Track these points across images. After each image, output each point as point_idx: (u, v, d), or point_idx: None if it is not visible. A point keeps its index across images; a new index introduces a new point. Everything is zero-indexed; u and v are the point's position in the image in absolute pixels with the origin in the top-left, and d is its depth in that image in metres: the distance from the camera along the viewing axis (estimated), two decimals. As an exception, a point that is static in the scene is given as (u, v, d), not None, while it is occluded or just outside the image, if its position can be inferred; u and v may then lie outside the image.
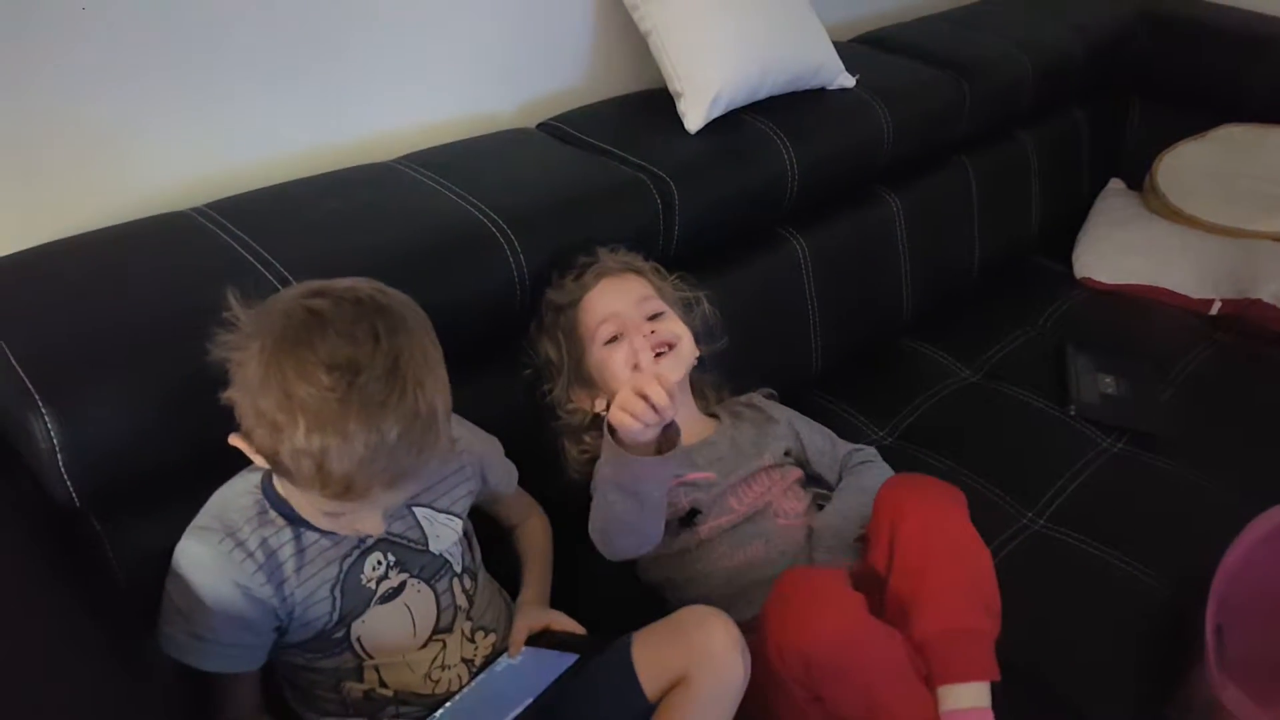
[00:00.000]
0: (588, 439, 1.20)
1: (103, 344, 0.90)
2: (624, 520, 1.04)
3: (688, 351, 1.18)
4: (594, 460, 1.16)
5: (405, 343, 0.81)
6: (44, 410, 0.84)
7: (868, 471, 1.26)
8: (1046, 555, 1.30)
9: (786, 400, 1.53)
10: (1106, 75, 2.16)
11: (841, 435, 1.49)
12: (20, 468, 0.90)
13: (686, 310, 1.26)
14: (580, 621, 1.02)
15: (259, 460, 0.84)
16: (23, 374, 0.85)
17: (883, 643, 0.96)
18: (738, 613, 0.97)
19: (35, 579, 0.83)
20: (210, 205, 1.11)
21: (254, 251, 1.02)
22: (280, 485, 0.89)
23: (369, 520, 0.86)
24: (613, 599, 1.18)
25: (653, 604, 1.15)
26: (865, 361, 1.66)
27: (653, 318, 1.18)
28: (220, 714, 0.91)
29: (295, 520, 0.89)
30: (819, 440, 1.30)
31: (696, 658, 0.90)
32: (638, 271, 1.23)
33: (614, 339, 1.17)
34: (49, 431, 0.84)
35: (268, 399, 0.77)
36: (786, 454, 1.25)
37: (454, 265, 1.11)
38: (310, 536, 0.90)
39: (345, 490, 0.78)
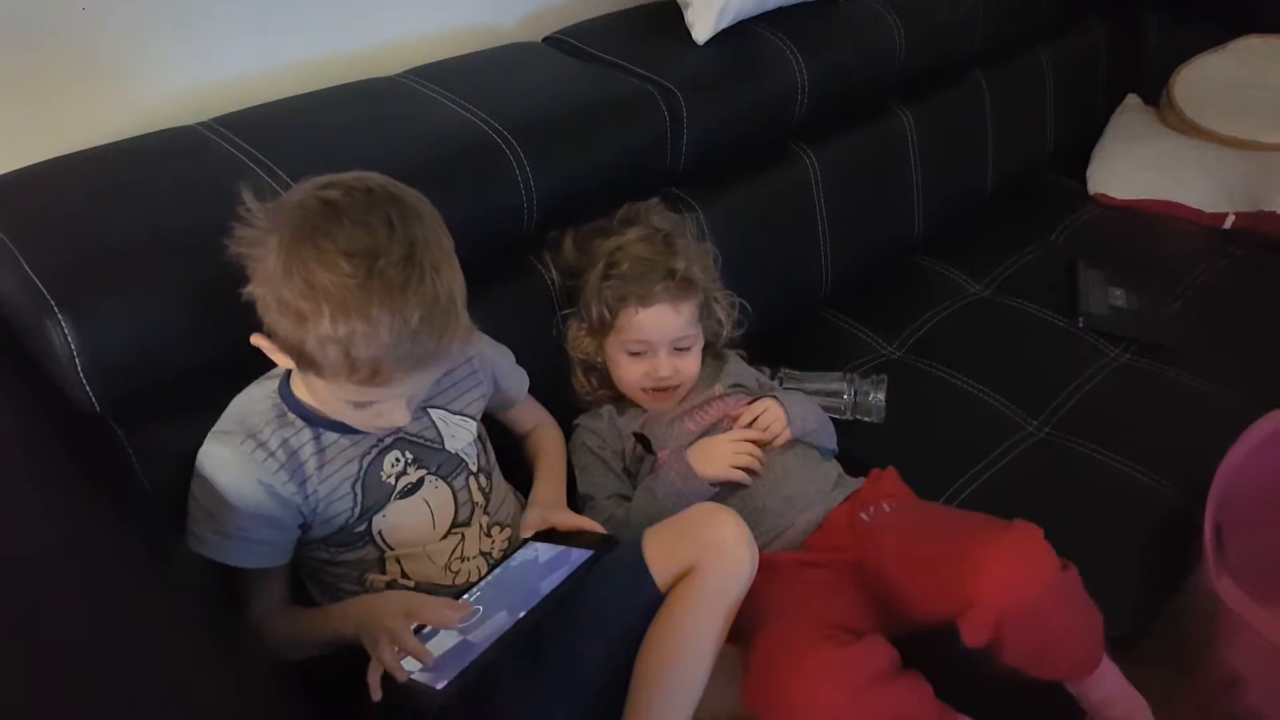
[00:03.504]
0: (592, 380, 1.25)
1: (116, 251, 0.91)
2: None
3: (685, 389, 1.23)
4: (593, 394, 1.24)
5: (419, 230, 0.82)
6: (60, 316, 0.85)
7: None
8: (1051, 461, 1.31)
9: (797, 317, 1.55)
10: (1126, -14, 2.11)
11: (851, 351, 1.52)
12: (44, 378, 0.91)
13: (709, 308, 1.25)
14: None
15: (281, 360, 0.86)
16: (39, 282, 0.86)
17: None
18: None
19: (66, 484, 0.86)
20: (216, 120, 1.11)
21: (261, 164, 1.02)
22: (301, 387, 0.91)
23: (395, 410, 0.88)
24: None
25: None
26: (876, 277, 1.66)
27: (679, 348, 1.20)
28: (250, 611, 0.94)
29: (314, 421, 0.92)
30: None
31: (706, 549, 0.92)
32: (693, 286, 1.20)
33: (637, 351, 1.19)
34: (66, 337, 0.85)
35: (291, 289, 0.79)
36: (736, 385, 1.27)
37: (461, 177, 1.11)
38: (329, 436, 0.92)
39: (372, 375, 0.80)
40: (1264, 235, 1.81)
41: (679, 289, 1.18)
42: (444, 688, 0.80)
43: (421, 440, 0.98)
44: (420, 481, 0.97)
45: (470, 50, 1.35)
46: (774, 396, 1.21)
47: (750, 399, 1.23)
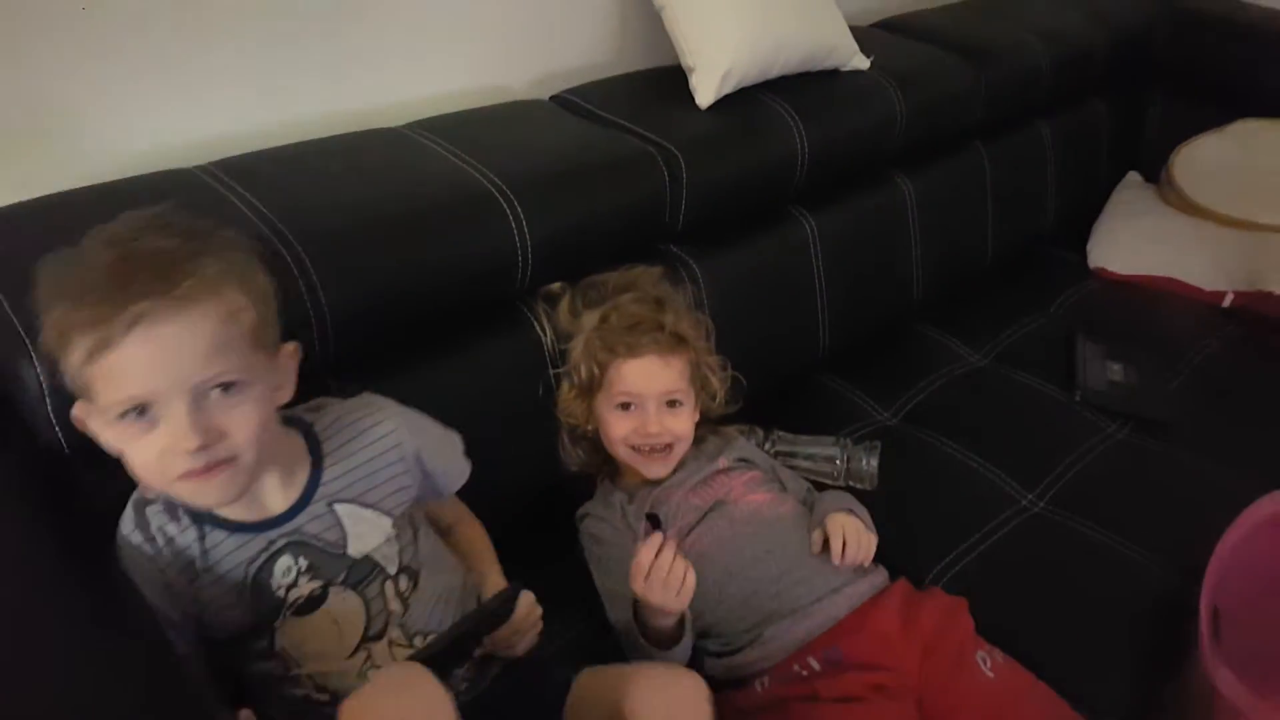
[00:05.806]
0: (580, 452, 1.23)
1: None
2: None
3: (678, 454, 1.18)
4: (579, 465, 1.23)
5: (200, 223, 0.77)
6: (35, 357, 0.84)
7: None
8: (1045, 537, 1.29)
9: (793, 380, 1.53)
10: (1128, 68, 2.13)
11: (846, 416, 1.50)
12: (17, 419, 0.89)
13: (701, 376, 1.22)
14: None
15: (94, 425, 0.79)
16: (16, 321, 0.85)
17: None
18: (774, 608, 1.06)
19: (32, 523, 0.84)
20: (213, 163, 1.10)
21: (252, 206, 1.02)
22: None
23: (174, 419, 0.75)
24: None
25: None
26: (874, 343, 1.65)
27: (670, 403, 1.17)
28: None
29: (200, 519, 0.85)
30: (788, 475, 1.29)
31: None
32: (682, 343, 1.17)
33: (626, 405, 1.16)
34: (39, 378, 0.84)
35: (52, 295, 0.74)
36: (741, 460, 1.24)
37: (453, 226, 1.10)
38: (216, 536, 0.85)
39: (94, 324, 0.71)
40: (1262, 315, 1.80)
41: (669, 343, 1.15)
42: None
43: (320, 543, 0.87)
44: (319, 595, 0.86)
45: (478, 106, 1.36)
46: (849, 510, 1.15)
47: (755, 472, 1.21)
